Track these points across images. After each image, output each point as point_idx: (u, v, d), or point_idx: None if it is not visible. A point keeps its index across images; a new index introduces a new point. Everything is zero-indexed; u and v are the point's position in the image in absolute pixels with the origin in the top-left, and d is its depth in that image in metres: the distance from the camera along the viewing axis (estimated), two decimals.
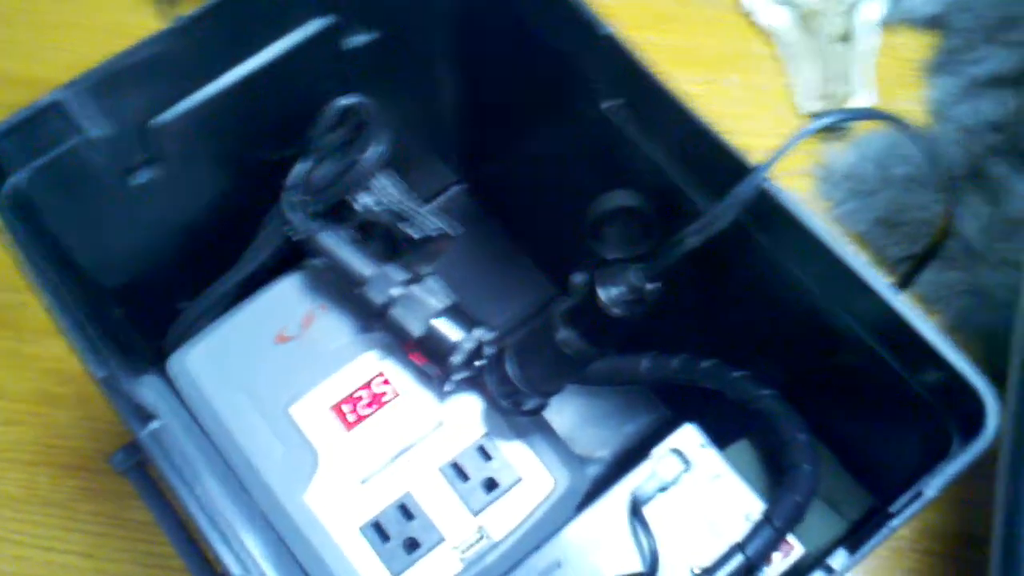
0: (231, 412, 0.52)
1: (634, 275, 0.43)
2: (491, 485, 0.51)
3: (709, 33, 0.77)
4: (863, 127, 0.73)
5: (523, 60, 0.52)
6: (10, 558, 0.60)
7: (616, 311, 0.44)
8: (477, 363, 0.51)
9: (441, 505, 0.50)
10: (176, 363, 0.53)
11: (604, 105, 0.47)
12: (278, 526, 0.50)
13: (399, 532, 0.49)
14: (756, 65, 0.77)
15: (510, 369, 0.49)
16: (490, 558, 0.49)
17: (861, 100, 0.72)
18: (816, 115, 0.72)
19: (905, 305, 0.39)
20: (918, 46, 0.77)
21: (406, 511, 0.50)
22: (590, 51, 0.46)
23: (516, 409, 0.50)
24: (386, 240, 0.57)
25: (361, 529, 0.50)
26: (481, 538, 0.50)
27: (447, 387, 0.52)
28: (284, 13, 0.50)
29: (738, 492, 0.46)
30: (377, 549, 0.49)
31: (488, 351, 0.51)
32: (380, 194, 0.56)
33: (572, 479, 0.51)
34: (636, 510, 0.45)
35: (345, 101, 0.53)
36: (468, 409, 0.52)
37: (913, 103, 0.74)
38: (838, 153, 0.72)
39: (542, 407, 0.51)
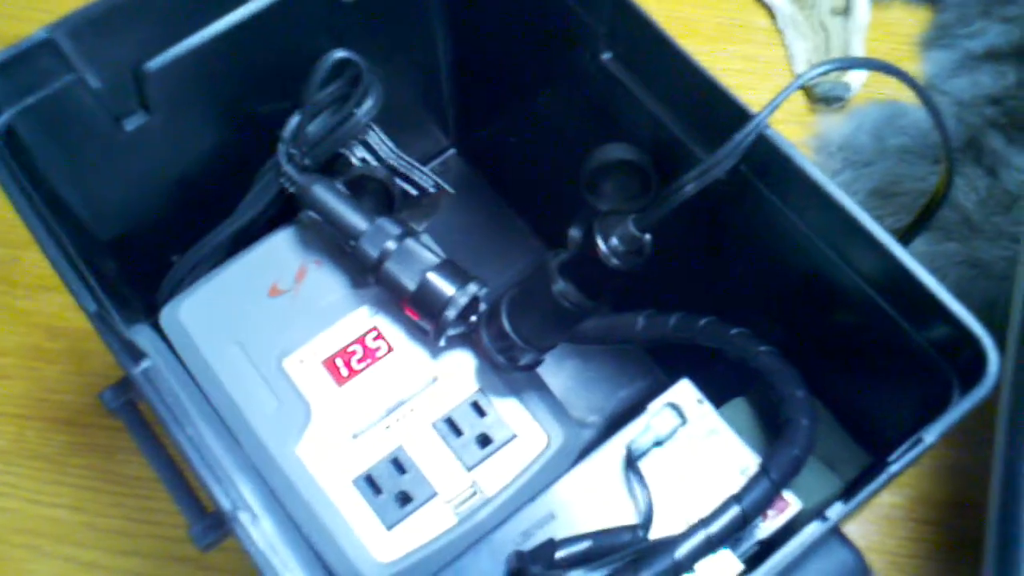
0: (223, 364, 0.51)
1: (633, 225, 0.43)
2: (485, 441, 0.50)
3: (708, 4, 0.77)
4: (859, 99, 0.73)
5: (521, 13, 0.52)
6: (0, 510, 0.60)
7: (615, 262, 0.44)
8: (471, 318, 0.51)
9: (434, 460, 0.50)
10: (168, 314, 0.53)
11: (604, 56, 0.47)
12: (269, 479, 0.49)
13: (392, 486, 0.49)
14: (754, 37, 0.76)
15: (506, 323, 0.49)
16: (483, 513, 0.48)
17: (859, 73, 0.72)
18: (816, 92, 0.72)
19: (909, 257, 0.39)
20: (912, 21, 0.77)
21: (399, 465, 0.50)
22: (589, 1, 0.45)
23: (511, 364, 0.50)
24: (379, 196, 0.56)
25: (354, 482, 0.49)
26: (474, 493, 0.49)
27: (441, 342, 0.51)
28: None
29: (734, 448, 0.45)
30: (370, 501, 0.49)
31: (482, 306, 0.51)
32: (376, 149, 0.56)
33: (566, 436, 0.51)
34: (631, 463, 0.45)
35: (340, 54, 0.52)
36: (462, 365, 0.52)
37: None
38: (834, 124, 0.72)
39: (537, 363, 0.51)
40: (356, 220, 0.52)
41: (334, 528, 0.48)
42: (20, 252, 0.68)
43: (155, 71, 0.48)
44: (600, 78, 0.48)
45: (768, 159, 0.41)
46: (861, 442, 0.48)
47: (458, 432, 0.50)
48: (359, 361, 0.52)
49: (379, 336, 0.53)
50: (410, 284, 0.50)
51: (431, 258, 0.51)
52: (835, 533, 0.39)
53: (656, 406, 0.46)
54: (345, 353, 0.52)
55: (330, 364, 0.52)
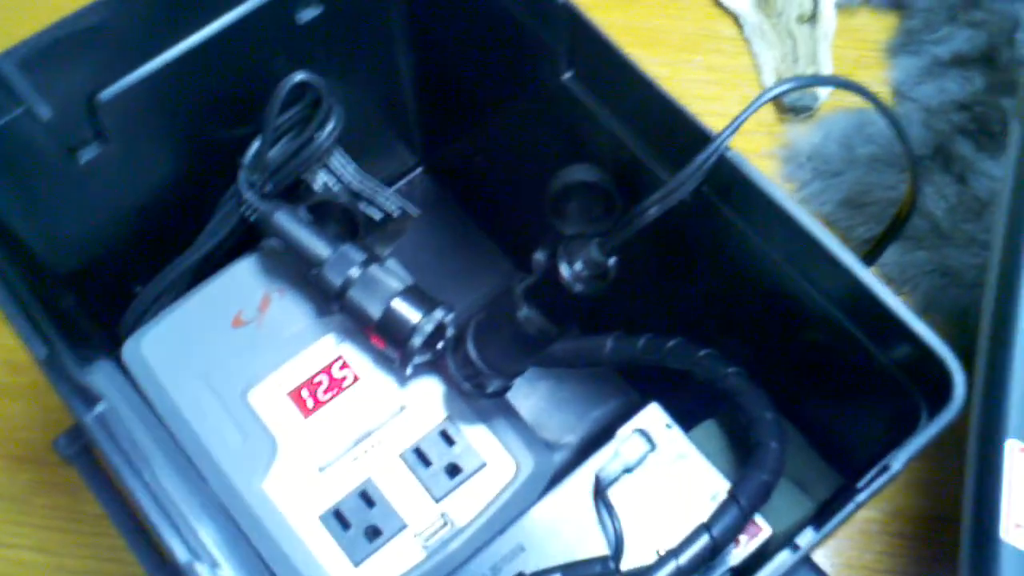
0: (187, 399, 0.51)
1: (595, 249, 0.43)
2: (454, 470, 0.50)
3: (673, 15, 0.77)
4: (827, 107, 0.73)
5: (482, 30, 0.51)
6: None
7: (578, 287, 0.43)
8: (438, 345, 0.50)
9: (403, 491, 0.49)
10: (130, 349, 0.52)
11: (564, 76, 0.46)
12: (236, 516, 0.48)
13: (360, 520, 0.48)
14: (721, 47, 0.76)
15: (472, 350, 0.48)
16: (453, 545, 0.48)
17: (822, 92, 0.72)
18: (785, 102, 0.71)
19: (872, 278, 0.38)
20: (878, 27, 0.77)
21: (367, 498, 0.49)
22: (548, 21, 0.45)
23: (479, 392, 0.49)
24: (342, 221, 0.56)
25: (321, 517, 0.48)
26: (444, 524, 0.49)
27: (408, 371, 0.50)
28: None
29: (704, 472, 0.45)
30: (338, 538, 0.48)
31: (449, 332, 0.50)
32: (338, 173, 0.55)
33: (536, 463, 0.50)
34: (600, 492, 0.44)
35: (299, 77, 0.52)
36: (430, 393, 0.51)
37: (875, 84, 0.74)
38: (802, 134, 0.71)
39: (505, 389, 0.50)
40: (319, 247, 0.51)
41: (302, 566, 0.47)
42: None
43: (109, 100, 0.47)
44: (562, 98, 0.48)
45: (730, 180, 0.41)
46: (832, 462, 0.47)
47: (427, 462, 0.50)
48: (325, 392, 0.51)
49: (345, 365, 0.52)
50: (375, 312, 0.50)
51: (395, 285, 0.50)
52: (806, 561, 0.39)
53: (625, 432, 0.45)
54: (311, 384, 0.51)
55: (296, 396, 0.51)
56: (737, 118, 0.39)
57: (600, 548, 0.43)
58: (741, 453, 0.47)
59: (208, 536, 0.38)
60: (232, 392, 0.51)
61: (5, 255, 0.43)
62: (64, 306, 0.51)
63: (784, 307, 0.43)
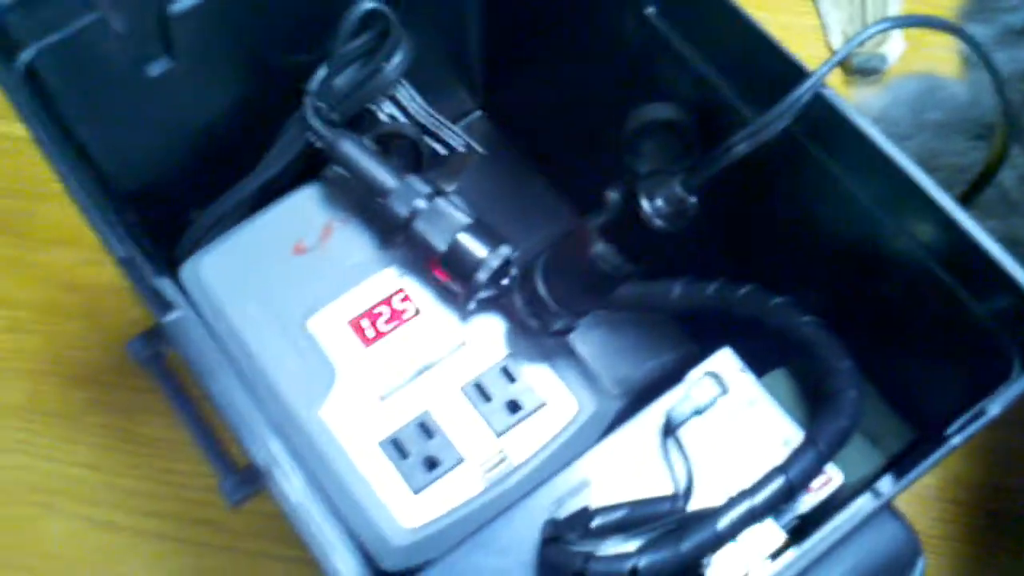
0: (246, 323, 0.50)
1: (678, 186, 0.42)
2: (514, 407, 0.49)
3: None
4: (895, 72, 0.71)
5: None
6: (13, 467, 0.58)
7: (658, 223, 0.42)
8: (502, 281, 0.49)
9: (463, 425, 0.48)
10: (189, 270, 0.51)
11: (647, 10, 0.45)
12: (294, 440, 0.48)
13: (419, 450, 0.48)
14: (788, 5, 0.75)
15: (540, 286, 0.47)
16: (512, 480, 0.47)
17: (895, 45, 0.70)
18: (853, 63, 0.70)
19: (973, 223, 0.37)
20: None
21: (426, 429, 0.48)
22: None
23: (543, 329, 0.49)
24: (408, 154, 0.55)
25: (380, 444, 0.48)
26: (503, 460, 0.48)
27: (470, 305, 0.50)
28: None
29: (776, 419, 0.44)
30: (396, 465, 0.47)
31: (514, 270, 0.49)
32: (405, 105, 0.54)
33: (598, 404, 0.49)
34: (670, 431, 0.43)
35: (368, 5, 0.51)
36: (491, 329, 0.50)
37: (945, 50, 0.72)
38: (870, 97, 0.70)
39: (570, 328, 0.49)
40: (385, 177, 0.50)
41: (359, 492, 0.47)
42: (34, 205, 0.66)
43: (179, 15, 0.47)
44: (642, 34, 0.47)
45: (823, 120, 0.40)
46: (904, 417, 0.46)
47: (487, 397, 0.49)
48: (386, 322, 0.50)
49: (406, 298, 0.51)
50: (440, 244, 0.49)
51: (462, 218, 0.50)
52: (886, 508, 0.38)
53: (696, 374, 0.45)
54: (372, 314, 0.51)
55: (356, 325, 0.50)
56: (837, 54, 0.38)
57: (666, 488, 0.42)
58: (811, 404, 0.46)
59: (276, 448, 0.38)
60: (292, 318, 0.50)
61: (78, 163, 0.43)
62: (127, 221, 0.50)
63: (870, 255, 0.42)
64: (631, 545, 0.39)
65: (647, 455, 0.43)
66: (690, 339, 0.60)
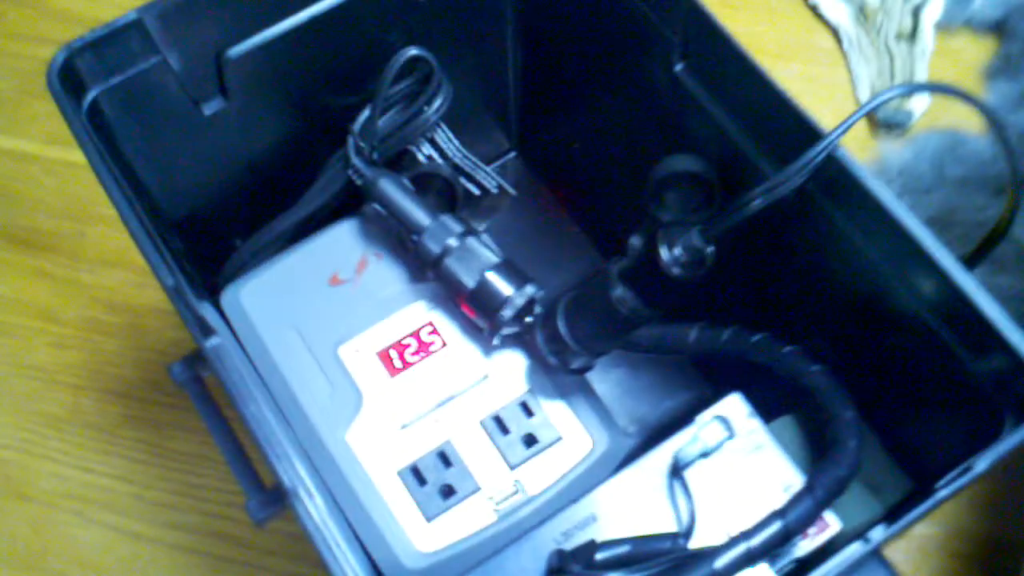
0: (280, 347, 0.53)
1: (696, 236, 0.44)
2: (530, 441, 0.51)
3: (773, 22, 0.77)
4: (920, 126, 0.73)
5: (594, 19, 0.52)
6: (49, 475, 0.61)
7: (676, 271, 0.44)
8: (527, 319, 0.52)
9: (480, 456, 0.51)
10: (230, 296, 0.54)
11: (676, 68, 0.48)
12: (318, 462, 0.50)
13: (436, 479, 0.50)
14: (818, 57, 0.77)
15: (561, 325, 0.49)
16: (524, 511, 0.49)
17: (921, 101, 0.72)
18: (879, 117, 0.72)
19: (973, 284, 0.39)
20: (976, 50, 0.77)
21: (445, 458, 0.51)
22: (666, 12, 0.46)
23: (563, 367, 0.51)
24: (443, 194, 0.57)
25: (399, 472, 0.50)
26: (517, 491, 0.50)
27: (495, 341, 0.52)
28: None
29: (779, 464, 0.46)
30: (413, 492, 0.50)
31: (537, 308, 0.52)
32: (442, 147, 0.57)
33: (611, 442, 0.51)
34: (677, 471, 0.45)
35: (413, 52, 0.53)
36: (513, 365, 0.53)
37: (970, 107, 0.74)
38: (894, 150, 0.72)
39: (588, 367, 0.51)
40: (420, 215, 0.53)
41: (377, 515, 0.49)
42: (86, 227, 0.70)
43: (236, 58, 0.50)
44: (671, 89, 0.49)
45: (836, 178, 0.42)
46: (904, 468, 0.48)
47: (505, 430, 0.51)
48: (413, 354, 0.53)
49: (434, 331, 0.53)
50: (469, 282, 0.51)
51: (491, 257, 0.52)
52: (876, 556, 0.40)
53: (705, 417, 0.47)
54: (400, 345, 0.53)
55: (384, 355, 0.53)
56: (851, 117, 0.40)
57: (670, 526, 0.44)
58: (816, 451, 0.48)
59: (301, 470, 0.40)
60: (324, 345, 0.53)
61: (132, 192, 0.46)
62: (174, 248, 0.53)
63: (875, 309, 0.44)
64: None
65: (654, 493, 0.45)
66: (704, 382, 0.62)
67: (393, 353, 0.53)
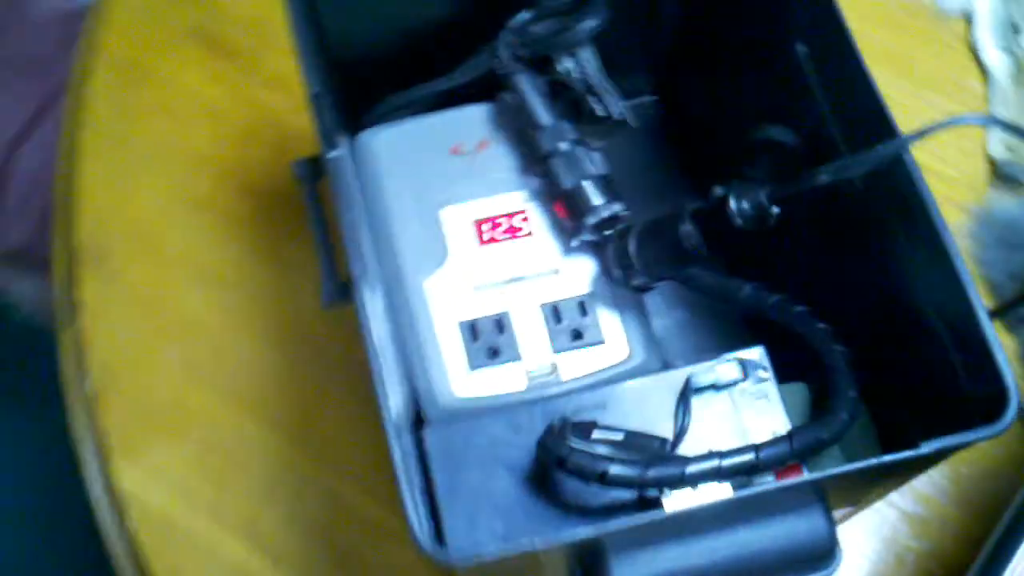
0: (393, 194, 0.60)
1: (763, 194, 0.49)
2: (577, 335, 0.57)
3: (930, 51, 0.80)
4: None
5: None
6: (177, 244, 0.71)
7: (739, 222, 0.50)
8: (606, 232, 0.58)
9: (530, 334, 0.57)
10: (366, 138, 0.62)
11: (798, 47, 0.52)
12: (394, 298, 0.58)
13: (488, 339, 0.57)
14: (962, 97, 0.79)
15: (632, 243, 0.56)
16: (552, 391, 0.56)
17: None
18: (1003, 163, 0.74)
19: (993, 332, 0.43)
20: None
21: (500, 325, 0.57)
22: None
23: (624, 281, 0.57)
24: (571, 104, 0.63)
25: (459, 323, 0.57)
26: (552, 372, 0.57)
27: (574, 242, 0.59)
28: None
29: (775, 415, 0.51)
30: (466, 343, 0.57)
31: (620, 225, 0.58)
32: (583, 63, 0.63)
33: (646, 359, 0.57)
34: (685, 392, 0.51)
35: None
36: (583, 268, 0.59)
37: None
38: (1004, 201, 0.74)
39: (647, 288, 0.57)
40: (542, 114, 0.59)
41: (429, 351, 0.56)
42: (266, 47, 0.78)
43: None
44: (786, 64, 0.54)
45: (899, 182, 0.47)
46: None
47: (558, 319, 0.58)
48: (503, 232, 0.60)
49: (525, 219, 0.60)
50: (567, 183, 0.58)
51: (592, 169, 0.58)
52: (820, 504, 0.45)
53: (728, 356, 0.52)
54: (493, 221, 0.60)
55: (478, 225, 0.60)
56: (929, 128, 0.45)
57: (666, 432, 0.51)
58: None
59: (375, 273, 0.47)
60: (430, 203, 0.60)
61: (310, 23, 0.53)
62: (333, 82, 0.61)
63: (899, 309, 0.49)
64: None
65: (661, 403, 0.52)
66: (753, 343, 0.67)
67: (486, 226, 0.60)
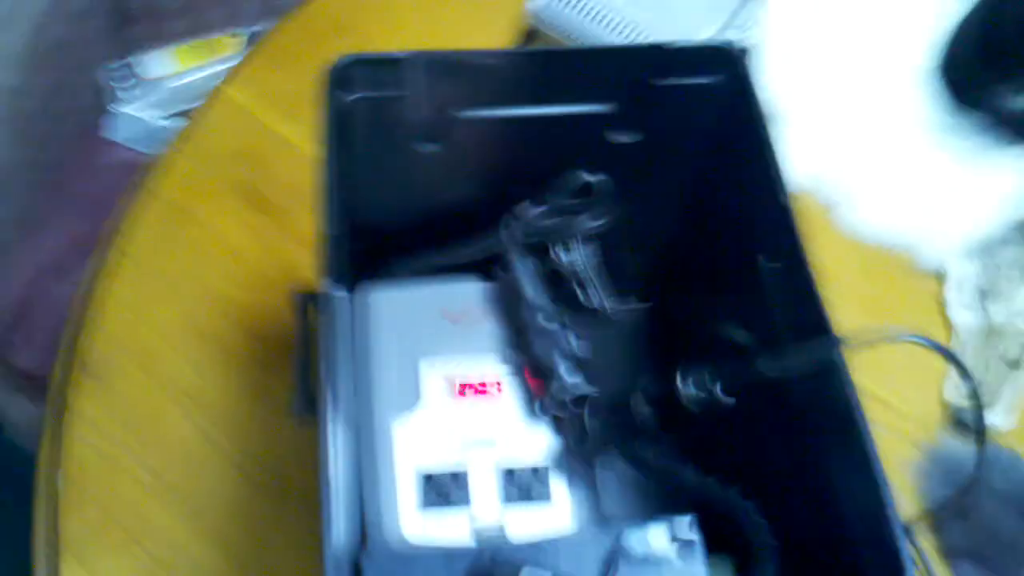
0: (382, 340, 0.65)
1: (712, 382, 0.54)
2: (528, 497, 0.61)
3: (901, 300, 0.86)
4: (996, 438, 0.79)
5: (725, 205, 0.64)
6: (174, 366, 0.76)
7: (689, 405, 0.55)
8: (570, 406, 0.62)
9: (484, 491, 0.60)
10: (365, 290, 0.68)
11: (761, 262, 0.59)
12: (363, 434, 0.62)
13: (442, 489, 0.60)
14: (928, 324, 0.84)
15: (588, 417, 0.60)
16: (496, 542, 0.58)
17: (996, 418, 0.79)
18: (957, 409, 0.79)
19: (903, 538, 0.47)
20: None
21: (456, 478, 0.61)
22: (768, 212, 0.57)
23: (580, 453, 0.61)
24: (564, 294, 0.69)
25: (417, 470, 0.60)
26: (499, 530, 0.59)
27: (538, 411, 0.63)
28: (583, 87, 0.64)
29: None
30: (421, 488, 0.60)
31: (585, 406, 0.62)
32: (576, 257, 0.69)
33: (586, 531, 0.60)
34: (615, 552, 0.54)
35: (590, 177, 0.66)
36: (544, 438, 0.63)
37: None
38: (955, 445, 0.78)
39: (597, 456, 0.61)
40: (532, 292, 0.65)
41: (385, 489, 0.60)
42: (300, 209, 0.86)
43: (464, 120, 0.64)
44: (752, 275, 0.60)
45: (834, 388, 0.51)
46: None
47: (513, 482, 0.61)
48: (474, 392, 0.64)
49: (498, 384, 0.65)
50: (540, 355, 0.63)
51: (568, 350, 0.63)
52: None
53: (659, 524, 0.55)
54: (468, 381, 0.64)
55: (451, 381, 0.64)
56: (860, 341, 0.50)
57: None
58: None
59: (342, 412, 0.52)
60: (412, 354, 0.65)
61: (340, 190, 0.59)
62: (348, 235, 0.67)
63: (827, 511, 0.52)
64: None
65: (592, 557, 0.54)
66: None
67: (459, 383, 0.64)
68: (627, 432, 0.58)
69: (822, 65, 0.98)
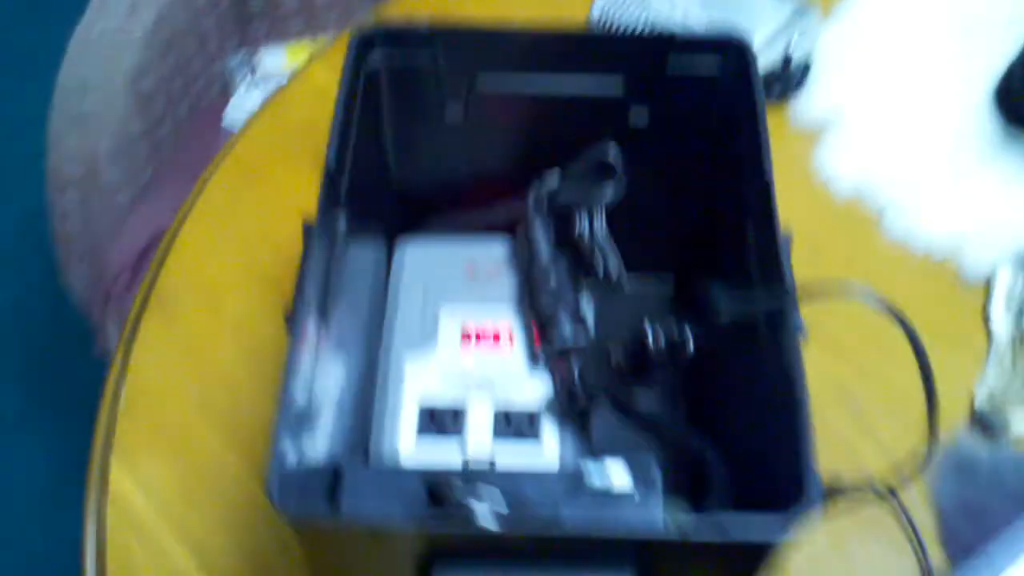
0: (407, 289, 0.72)
1: (678, 331, 0.58)
2: (519, 433, 0.65)
3: (943, 308, 0.86)
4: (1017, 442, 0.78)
5: (726, 185, 0.68)
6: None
7: (653, 351, 0.59)
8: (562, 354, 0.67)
9: (479, 426, 0.66)
10: (403, 244, 0.75)
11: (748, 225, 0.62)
12: (380, 363, 0.69)
13: (440, 420, 0.66)
14: (962, 352, 0.84)
15: (574, 368, 0.65)
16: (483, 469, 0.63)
17: (1016, 422, 0.78)
18: (978, 412, 0.79)
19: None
20: None
21: (455, 415, 0.66)
22: (755, 187, 0.61)
23: (571, 406, 0.65)
24: (579, 261, 0.73)
25: (420, 404, 0.66)
26: (491, 458, 0.64)
27: (539, 358, 0.68)
28: (599, 68, 0.69)
29: None
30: (421, 420, 0.66)
31: (574, 358, 0.67)
32: (594, 226, 0.73)
33: (569, 472, 0.64)
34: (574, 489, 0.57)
35: (609, 151, 0.71)
36: (540, 387, 0.68)
37: None
38: (974, 443, 0.78)
39: (588, 409, 0.65)
40: (543, 253, 0.70)
41: (390, 416, 0.66)
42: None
43: (488, 90, 0.70)
44: (742, 240, 0.63)
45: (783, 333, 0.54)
46: None
47: (508, 423, 0.66)
48: (484, 340, 0.69)
49: (508, 335, 0.70)
50: (546, 310, 0.68)
51: (571, 306, 0.68)
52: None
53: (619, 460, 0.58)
54: (478, 328, 0.70)
55: (465, 328, 0.70)
56: (818, 293, 0.53)
57: None
58: None
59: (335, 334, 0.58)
60: (435, 301, 0.71)
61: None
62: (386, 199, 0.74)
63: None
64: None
65: (557, 492, 0.58)
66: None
67: (471, 330, 0.70)
68: (612, 382, 0.62)
69: (878, 76, 1.00)
